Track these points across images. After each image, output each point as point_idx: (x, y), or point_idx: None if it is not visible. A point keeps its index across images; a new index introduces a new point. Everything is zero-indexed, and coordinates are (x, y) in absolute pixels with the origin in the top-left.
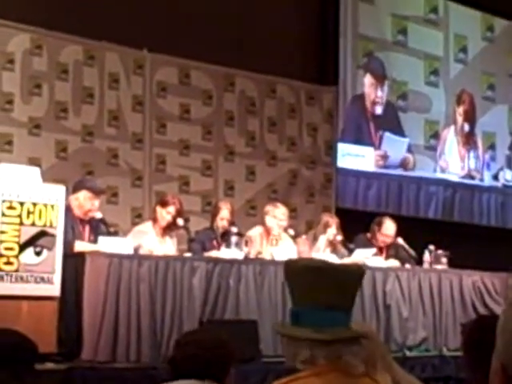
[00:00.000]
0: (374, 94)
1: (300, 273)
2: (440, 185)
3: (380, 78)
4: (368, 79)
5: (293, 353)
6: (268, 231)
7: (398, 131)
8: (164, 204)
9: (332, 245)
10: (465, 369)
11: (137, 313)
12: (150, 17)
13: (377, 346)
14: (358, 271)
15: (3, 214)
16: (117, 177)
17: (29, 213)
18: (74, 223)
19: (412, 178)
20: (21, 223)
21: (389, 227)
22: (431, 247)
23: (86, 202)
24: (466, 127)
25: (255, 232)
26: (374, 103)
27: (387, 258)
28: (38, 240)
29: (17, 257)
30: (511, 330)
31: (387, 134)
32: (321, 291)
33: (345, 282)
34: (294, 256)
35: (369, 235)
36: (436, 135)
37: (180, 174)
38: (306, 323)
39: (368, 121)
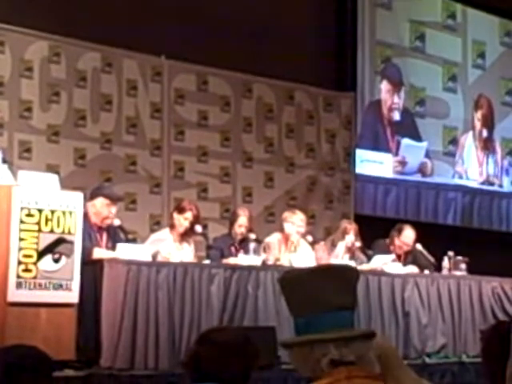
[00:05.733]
0: (391, 100)
1: (305, 279)
2: (459, 191)
3: (396, 84)
4: (384, 86)
5: (316, 359)
6: (286, 238)
7: (416, 137)
8: (181, 210)
9: (350, 251)
10: (484, 376)
11: (155, 319)
12: (168, 24)
13: (392, 354)
14: (355, 270)
15: (22, 221)
16: (135, 184)
17: (47, 220)
18: (92, 230)
19: (431, 184)
20: (39, 230)
21: (408, 235)
22: (450, 253)
23: (103, 209)
24: (485, 133)
25: (273, 238)
26: (390, 109)
27: (406, 264)
28: (56, 247)
29: (35, 264)
30: None
31: (405, 140)
32: (331, 293)
33: (349, 282)
34: (312, 262)
35: (387, 242)
36: (454, 141)
37: (198, 180)
38: (321, 328)
39: (385, 127)
